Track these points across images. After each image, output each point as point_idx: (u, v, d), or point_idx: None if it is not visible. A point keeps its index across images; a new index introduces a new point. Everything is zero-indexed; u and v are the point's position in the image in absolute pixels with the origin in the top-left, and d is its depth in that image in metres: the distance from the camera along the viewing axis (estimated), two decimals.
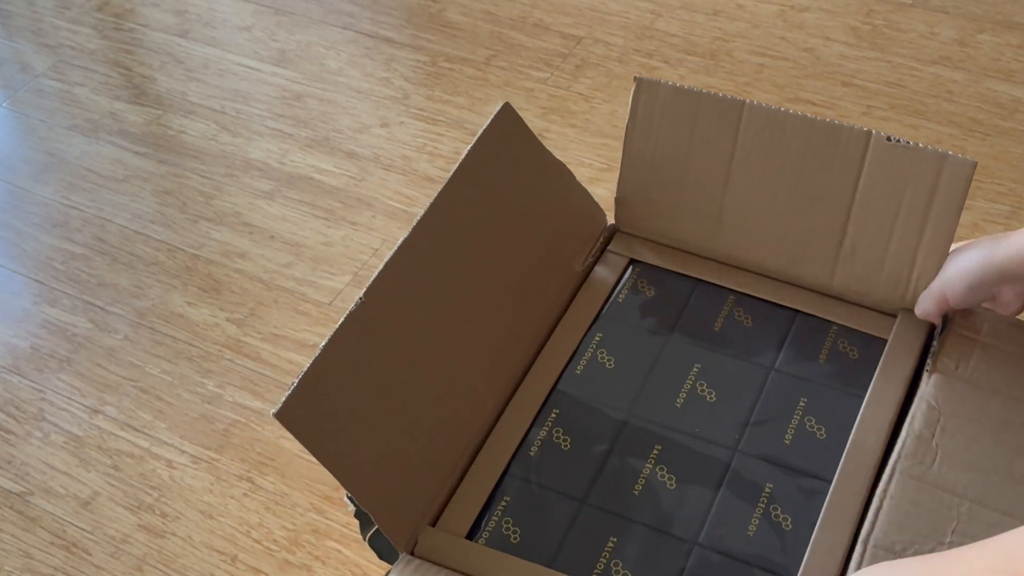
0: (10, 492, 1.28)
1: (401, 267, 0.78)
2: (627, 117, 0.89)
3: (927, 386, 0.80)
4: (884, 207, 0.84)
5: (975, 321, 0.83)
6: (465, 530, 0.78)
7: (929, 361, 0.82)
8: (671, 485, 0.79)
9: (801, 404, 0.83)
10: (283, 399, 0.69)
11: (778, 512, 0.77)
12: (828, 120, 0.83)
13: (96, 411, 1.35)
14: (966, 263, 0.80)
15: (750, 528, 0.76)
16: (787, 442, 0.81)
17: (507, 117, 0.87)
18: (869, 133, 0.82)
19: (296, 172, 1.63)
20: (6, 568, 1.21)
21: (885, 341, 0.85)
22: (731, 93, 1.66)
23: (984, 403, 0.78)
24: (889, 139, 0.81)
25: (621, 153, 0.91)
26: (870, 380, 0.83)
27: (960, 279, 0.80)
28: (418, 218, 0.80)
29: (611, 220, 0.96)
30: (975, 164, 0.79)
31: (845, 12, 1.78)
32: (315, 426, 0.72)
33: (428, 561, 0.75)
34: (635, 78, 0.88)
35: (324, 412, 0.73)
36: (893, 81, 1.65)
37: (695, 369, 0.86)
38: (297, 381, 0.70)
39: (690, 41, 1.76)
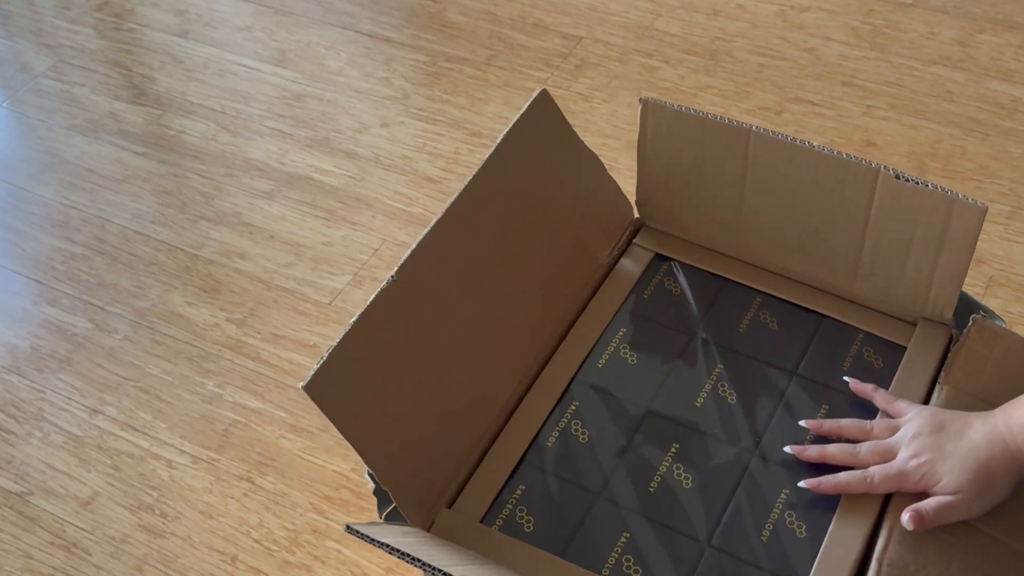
0: (10, 492, 1.28)
1: (432, 248, 0.79)
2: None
3: (938, 399, 0.80)
4: (897, 237, 0.83)
5: (990, 338, 0.82)
6: (480, 515, 0.78)
7: (941, 375, 0.82)
8: (687, 484, 0.79)
9: (823, 411, 0.82)
10: (312, 372, 0.70)
11: (793, 519, 0.76)
12: (835, 153, 0.82)
13: (96, 411, 1.35)
14: None
15: (764, 534, 0.76)
16: None
17: (543, 103, 0.87)
18: (877, 169, 0.81)
19: (296, 172, 1.63)
20: (6, 568, 1.21)
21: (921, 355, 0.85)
22: (731, 93, 1.66)
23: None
24: (898, 176, 0.80)
25: (635, 158, 0.91)
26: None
27: None
28: (451, 200, 0.80)
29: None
30: (985, 209, 0.77)
31: (845, 12, 1.78)
32: (341, 401, 0.72)
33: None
34: (640, 99, 0.88)
35: (350, 388, 0.73)
36: (893, 81, 1.65)
37: (717, 370, 0.86)
38: (326, 355, 0.71)
39: (690, 41, 1.76)
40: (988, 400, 0.79)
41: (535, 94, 0.86)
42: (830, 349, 0.86)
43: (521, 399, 0.85)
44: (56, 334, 1.44)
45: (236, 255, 1.52)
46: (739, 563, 0.75)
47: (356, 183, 1.60)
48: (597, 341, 0.88)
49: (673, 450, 0.81)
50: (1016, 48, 1.69)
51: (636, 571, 0.75)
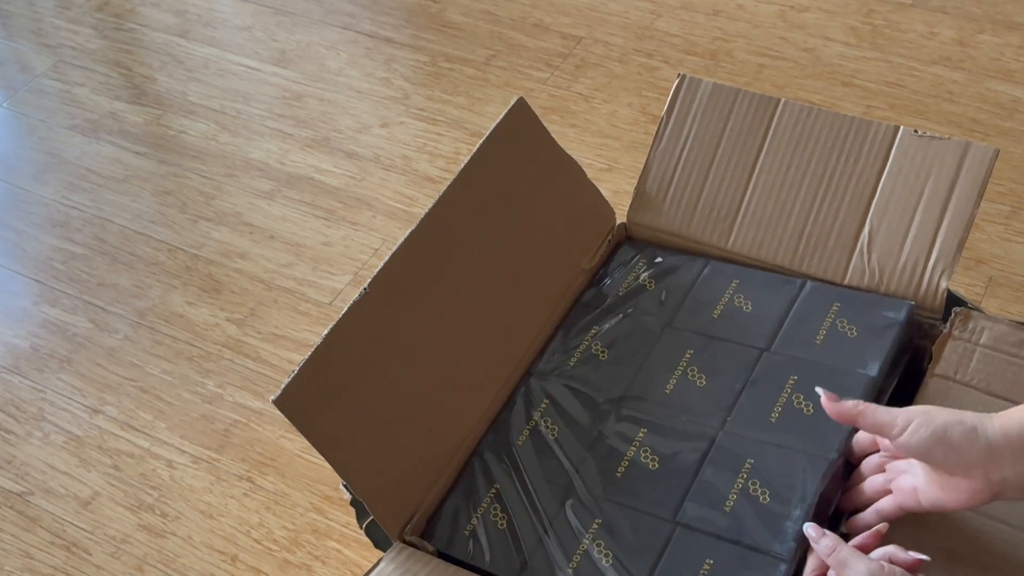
0: (10, 492, 1.28)
1: (406, 259, 0.79)
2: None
3: (926, 391, 0.80)
4: (906, 195, 0.86)
5: (975, 327, 0.83)
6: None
7: (928, 369, 0.82)
8: (654, 466, 0.80)
9: (791, 381, 0.83)
10: (282, 386, 0.70)
11: (756, 486, 0.77)
12: (858, 117, 0.87)
13: (96, 411, 1.35)
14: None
15: (727, 504, 0.77)
16: (773, 420, 0.81)
17: (521, 111, 0.88)
18: (897, 128, 0.85)
19: (296, 172, 1.63)
20: (6, 568, 1.21)
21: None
22: None
23: (982, 408, 0.78)
24: (916, 132, 0.84)
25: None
26: (867, 358, 0.83)
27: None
28: (427, 210, 0.81)
29: (619, 212, 0.97)
30: (997, 151, 0.81)
31: (845, 12, 1.78)
32: (313, 414, 0.72)
33: (420, 550, 0.76)
34: (679, 75, 0.93)
35: (323, 401, 0.73)
36: (893, 81, 1.65)
37: (688, 355, 0.87)
38: (297, 369, 0.71)
39: (690, 41, 1.76)
40: (981, 388, 0.79)
41: (512, 102, 0.87)
42: (804, 324, 0.87)
43: (502, 405, 0.86)
44: (56, 334, 1.44)
45: (236, 255, 1.52)
46: (707, 536, 0.75)
47: (356, 183, 1.60)
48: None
49: (640, 435, 0.82)
50: (1016, 48, 1.69)
51: (607, 554, 0.76)
